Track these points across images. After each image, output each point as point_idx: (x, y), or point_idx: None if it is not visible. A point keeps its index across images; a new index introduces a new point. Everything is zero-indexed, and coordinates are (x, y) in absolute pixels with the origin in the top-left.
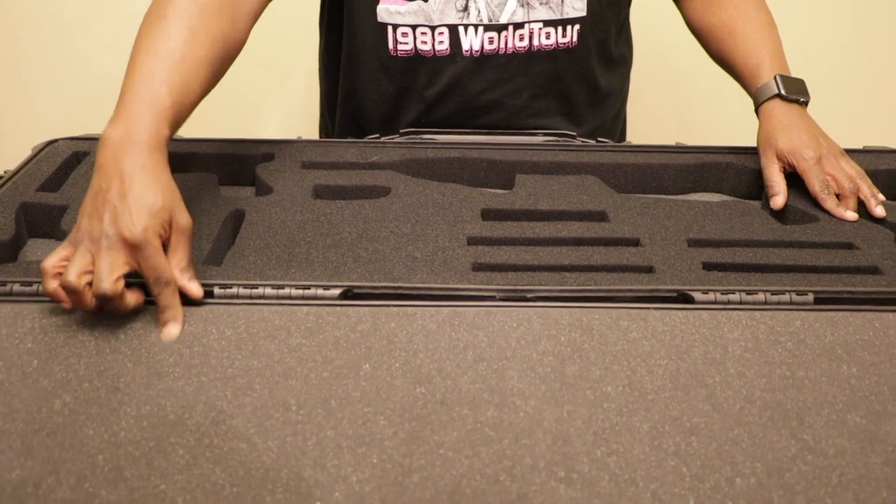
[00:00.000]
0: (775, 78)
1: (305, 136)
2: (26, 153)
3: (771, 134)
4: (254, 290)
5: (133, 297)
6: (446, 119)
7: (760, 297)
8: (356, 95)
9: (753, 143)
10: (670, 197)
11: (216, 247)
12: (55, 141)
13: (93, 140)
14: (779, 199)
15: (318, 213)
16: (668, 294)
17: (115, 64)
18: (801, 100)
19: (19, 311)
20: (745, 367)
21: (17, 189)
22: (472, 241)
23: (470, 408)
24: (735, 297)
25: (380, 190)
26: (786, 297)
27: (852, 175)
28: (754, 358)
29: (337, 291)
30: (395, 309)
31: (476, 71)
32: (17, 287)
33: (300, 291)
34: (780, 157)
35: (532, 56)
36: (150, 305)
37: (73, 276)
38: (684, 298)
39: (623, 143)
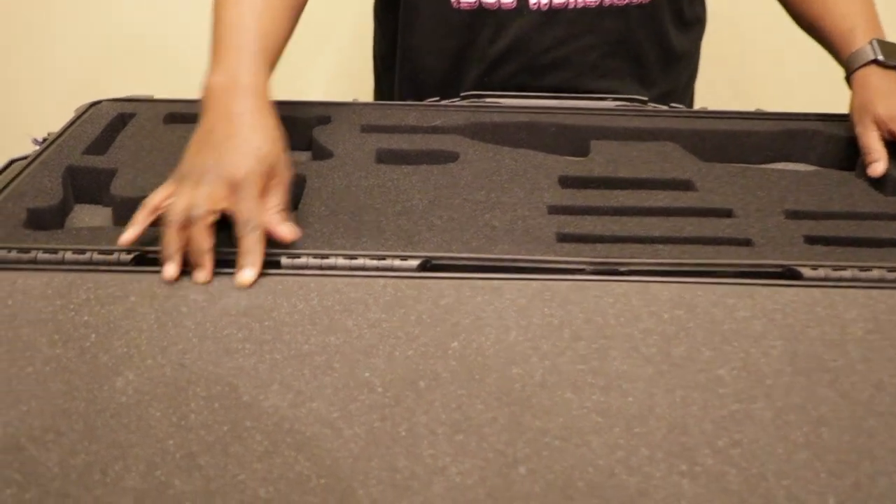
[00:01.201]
0: (871, 43)
1: (361, 99)
2: (64, 116)
3: (868, 100)
4: (324, 261)
5: (208, 242)
6: (510, 79)
7: (875, 273)
8: (415, 53)
9: (836, 111)
10: (758, 166)
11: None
12: (98, 102)
13: (138, 101)
14: (879, 166)
15: (385, 179)
16: (772, 269)
17: (151, 25)
18: None
19: (73, 281)
20: (868, 350)
21: (62, 152)
22: (554, 210)
23: (573, 391)
24: (847, 273)
25: (447, 155)
26: None
27: None
28: (877, 340)
29: (415, 262)
30: (479, 282)
31: (543, 26)
32: (69, 255)
33: (375, 262)
34: (879, 125)
35: (603, 11)
36: (215, 276)
37: (179, 211)
38: (791, 274)
39: (700, 109)
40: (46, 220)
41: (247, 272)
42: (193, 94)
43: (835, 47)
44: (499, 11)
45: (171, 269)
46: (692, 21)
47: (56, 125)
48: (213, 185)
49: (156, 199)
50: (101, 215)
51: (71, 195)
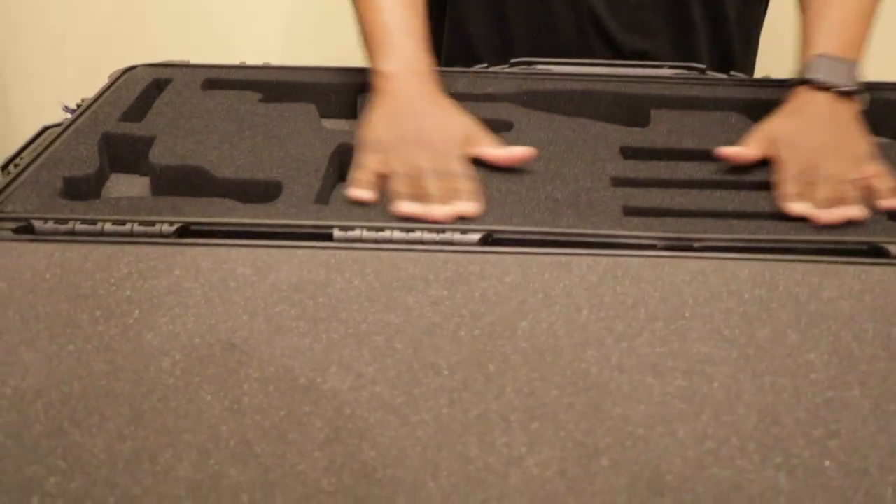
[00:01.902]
0: (813, 59)
1: None
2: (94, 83)
3: (775, 113)
4: (379, 233)
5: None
6: (562, 45)
7: None
8: (464, 17)
9: None
10: None
11: (325, 185)
12: (133, 68)
13: (174, 67)
14: (731, 149)
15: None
16: (856, 247)
17: None
18: (842, 88)
19: (113, 254)
20: None
21: (97, 119)
22: (618, 182)
23: (653, 375)
24: None
25: (500, 124)
26: None
27: (841, 177)
28: None
29: (476, 236)
30: (545, 258)
31: None
32: (109, 226)
33: (433, 235)
34: (766, 136)
35: None
36: (260, 249)
37: (402, 169)
38: (877, 252)
39: (763, 78)
40: (83, 189)
41: (470, 204)
42: (226, 59)
43: (800, 47)
44: None
45: (408, 205)
46: None
47: (86, 92)
48: (427, 152)
49: (369, 165)
50: (140, 184)
51: (107, 163)
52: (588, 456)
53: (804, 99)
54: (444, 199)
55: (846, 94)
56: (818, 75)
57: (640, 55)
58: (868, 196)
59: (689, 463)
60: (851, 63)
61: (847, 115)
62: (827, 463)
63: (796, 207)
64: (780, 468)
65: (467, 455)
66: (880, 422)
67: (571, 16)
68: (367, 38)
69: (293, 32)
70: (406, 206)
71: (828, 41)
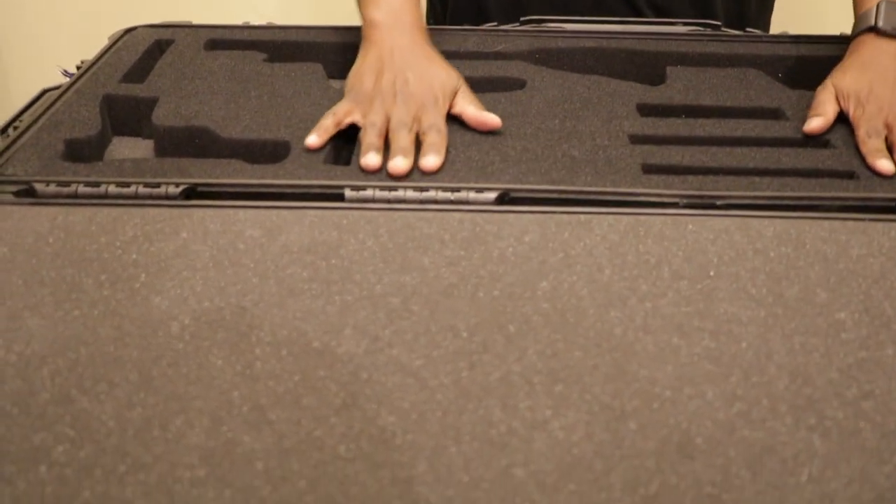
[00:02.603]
0: (878, 5)
1: None
2: (93, 45)
3: (842, 67)
4: (392, 193)
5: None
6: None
7: None
8: None
9: None
10: None
11: (336, 144)
12: (133, 28)
13: (176, 27)
14: (814, 122)
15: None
16: (884, 203)
17: None
18: None
19: (118, 217)
20: None
21: (97, 80)
22: (636, 140)
23: (679, 336)
24: None
25: (513, 82)
26: None
27: None
28: None
29: (492, 195)
30: (564, 216)
31: None
32: (113, 188)
33: (448, 195)
34: (838, 93)
35: None
36: (269, 210)
37: (379, 121)
38: None
39: (780, 34)
40: (85, 151)
41: (432, 158)
42: (232, 20)
43: (854, 2)
44: None
45: (373, 157)
46: None
47: (86, 55)
48: (405, 105)
49: (339, 112)
50: (142, 147)
51: (109, 126)
52: (615, 419)
53: (870, 49)
54: (410, 152)
55: None
56: (884, 23)
57: (657, 10)
58: None
59: (719, 425)
60: None
61: None
62: (861, 424)
63: (884, 165)
64: (813, 430)
65: (490, 419)
66: None
67: None
68: None
69: None
70: (369, 159)
71: None
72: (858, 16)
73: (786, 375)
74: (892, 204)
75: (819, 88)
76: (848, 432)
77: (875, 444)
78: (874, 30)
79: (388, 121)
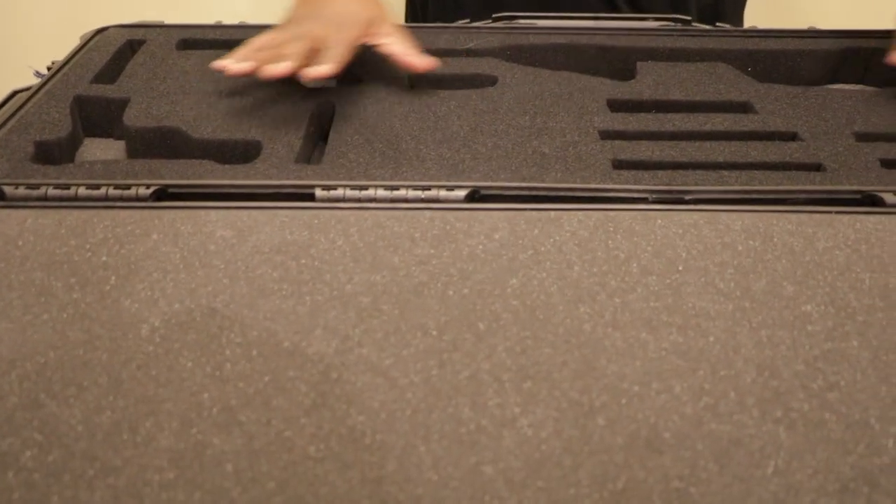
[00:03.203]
0: None
1: None
2: (64, 46)
3: None
4: (363, 192)
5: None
6: None
7: None
8: None
9: None
10: (819, 86)
11: (306, 144)
12: (105, 29)
13: (148, 27)
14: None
15: (420, 105)
16: (850, 195)
17: None
18: None
19: (88, 220)
20: None
21: (68, 81)
22: (606, 135)
23: (648, 331)
24: None
25: (484, 79)
26: None
27: None
28: None
29: (462, 193)
30: (534, 213)
31: None
32: (82, 191)
33: (418, 193)
34: None
35: None
36: (240, 211)
37: (282, 37)
38: (871, 201)
39: (749, 28)
40: (55, 153)
41: (318, 68)
42: (204, 19)
43: None
44: None
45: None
46: None
47: (56, 55)
48: (316, 25)
49: (260, 40)
50: (114, 148)
51: (80, 127)
52: (584, 415)
53: None
54: (292, 57)
55: None
56: None
57: (633, 4)
58: None
59: (687, 420)
60: None
61: None
62: (827, 415)
63: None
64: (779, 422)
65: (459, 417)
66: (880, 372)
67: None
68: None
69: None
70: (276, 68)
71: None
72: None
73: (753, 368)
74: (858, 196)
75: None
76: (813, 424)
77: (840, 436)
78: None
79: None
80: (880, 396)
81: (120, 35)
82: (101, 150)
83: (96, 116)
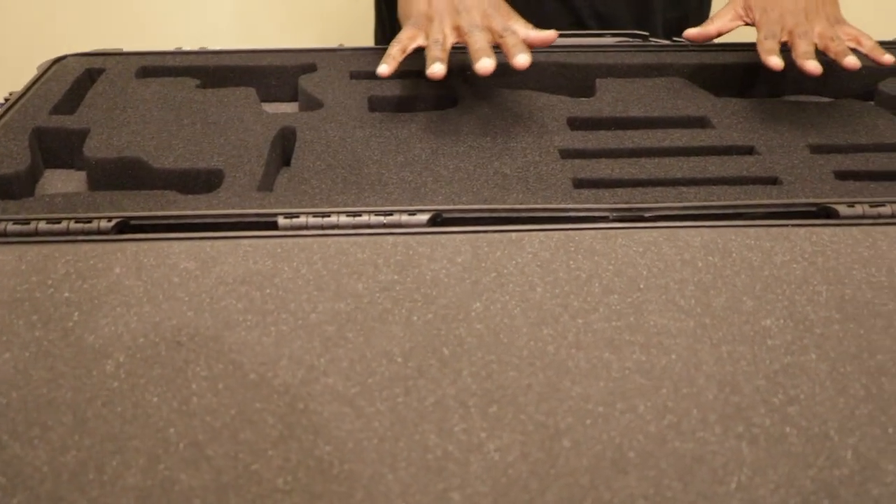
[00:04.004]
0: None
1: (347, 44)
2: (22, 75)
3: None
4: (325, 219)
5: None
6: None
7: None
8: None
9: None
10: (774, 99)
11: (269, 171)
12: (63, 58)
13: (106, 55)
14: (692, 31)
15: (381, 128)
16: (806, 208)
17: None
18: None
19: (49, 254)
20: None
21: (26, 113)
22: (566, 154)
23: (611, 351)
24: (886, 209)
25: (445, 100)
26: None
27: (821, 34)
28: None
29: (424, 217)
30: (496, 235)
31: None
32: (43, 225)
33: (381, 218)
34: (745, 4)
35: None
36: (203, 241)
37: (440, 37)
38: (826, 213)
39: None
40: (14, 187)
41: (522, 56)
42: (161, 46)
43: None
44: None
45: (438, 67)
46: None
47: (14, 86)
48: (468, 13)
49: (403, 38)
50: (75, 180)
51: (39, 159)
52: (549, 438)
53: None
54: (491, 51)
55: None
56: None
57: (600, 19)
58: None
59: (651, 438)
60: None
61: None
62: (787, 429)
63: (773, 60)
64: (741, 437)
65: (426, 444)
66: (837, 384)
67: None
68: None
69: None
70: (435, 69)
71: None
72: None
73: (714, 385)
74: (813, 209)
75: (724, 7)
76: (774, 438)
77: (800, 449)
78: None
79: (453, 33)
80: (838, 408)
81: (78, 64)
82: (61, 181)
83: (56, 148)
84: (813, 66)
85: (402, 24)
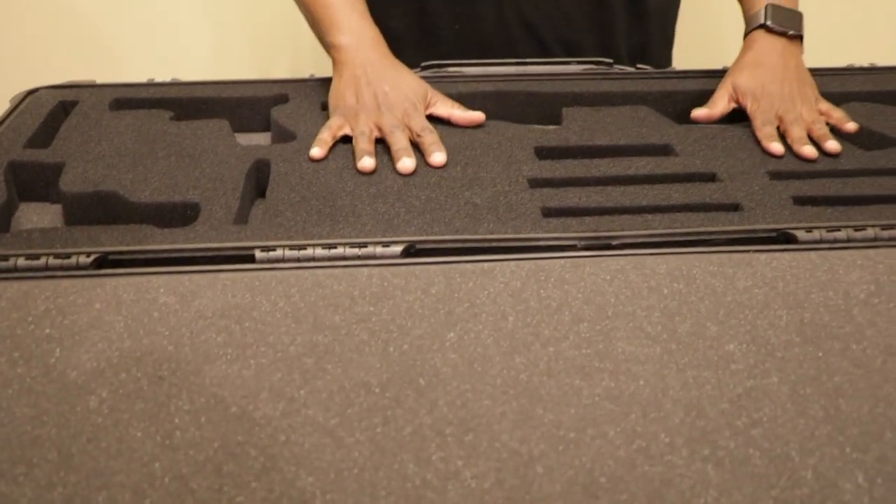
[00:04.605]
0: (766, 7)
1: (318, 75)
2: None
3: (739, 64)
4: (302, 252)
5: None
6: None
7: (870, 232)
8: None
9: (817, 65)
10: (735, 125)
11: (244, 203)
12: (36, 90)
13: (79, 87)
14: (701, 111)
15: (353, 160)
16: (767, 234)
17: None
18: (790, 33)
19: (28, 291)
20: (874, 314)
21: (0, 146)
22: (535, 184)
23: (581, 378)
24: (842, 234)
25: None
26: None
27: (807, 119)
28: (881, 303)
29: (398, 248)
30: (468, 265)
31: None
32: (22, 261)
33: (355, 250)
34: (735, 90)
35: None
36: (182, 275)
37: (368, 128)
38: (786, 238)
39: (668, 69)
40: None
41: (437, 155)
42: (134, 76)
43: (742, 5)
44: None
45: (368, 160)
46: None
47: None
48: (390, 112)
49: (333, 126)
50: (51, 213)
51: (15, 194)
52: (524, 464)
53: (762, 46)
54: (411, 151)
55: (797, 39)
56: (772, 21)
57: (563, 44)
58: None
59: (620, 463)
60: (798, 12)
61: (798, 58)
62: (751, 451)
63: (775, 147)
64: (707, 460)
65: (404, 473)
66: (798, 406)
67: (493, 6)
68: (315, 18)
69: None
70: (364, 163)
71: None
72: (749, 16)
73: (681, 409)
74: (774, 234)
75: (719, 85)
76: (739, 460)
77: (763, 470)
78: (764, 27)
79: (376, 129)
80: (799, 429)
81: (51, 96)
82: (37, 214)
83: (31, 181)
84: (809, 151)
85: (331, 112)
